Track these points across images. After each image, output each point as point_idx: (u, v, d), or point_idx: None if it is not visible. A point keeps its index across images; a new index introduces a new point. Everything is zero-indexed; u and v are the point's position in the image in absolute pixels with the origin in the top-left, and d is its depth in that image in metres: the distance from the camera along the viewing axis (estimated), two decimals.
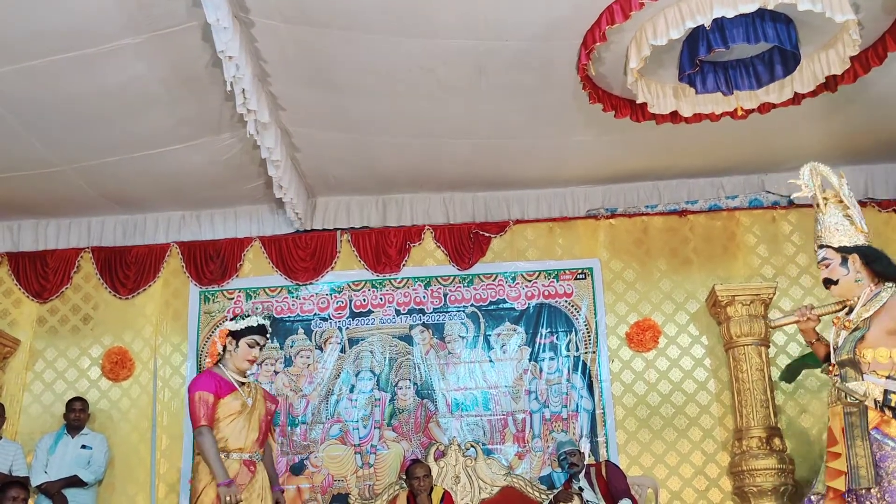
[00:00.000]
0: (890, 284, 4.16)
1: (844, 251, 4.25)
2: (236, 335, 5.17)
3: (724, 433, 7.54)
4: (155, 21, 5.39)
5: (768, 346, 7.40)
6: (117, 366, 7.95)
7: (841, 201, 4.36)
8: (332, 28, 5.56)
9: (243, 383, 5.18)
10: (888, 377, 4.00)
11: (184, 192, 7.87)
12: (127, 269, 8.21)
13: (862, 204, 7.78)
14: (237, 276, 8.17)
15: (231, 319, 5.31)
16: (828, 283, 4.28)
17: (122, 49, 5.58)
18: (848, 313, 4.22)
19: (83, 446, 7.30)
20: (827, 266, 4.27)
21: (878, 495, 3.85)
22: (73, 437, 7.34)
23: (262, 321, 5.25)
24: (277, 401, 5.70)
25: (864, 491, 3.90)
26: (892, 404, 3.93)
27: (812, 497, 4.20)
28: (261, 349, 5.25)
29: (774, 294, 7.35)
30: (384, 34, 5.62)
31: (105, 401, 7.91)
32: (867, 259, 4.23)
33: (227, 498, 4.77)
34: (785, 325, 4.56)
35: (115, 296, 8.19)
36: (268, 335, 5.33)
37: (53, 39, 5.43)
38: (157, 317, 8.15)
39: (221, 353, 5.23)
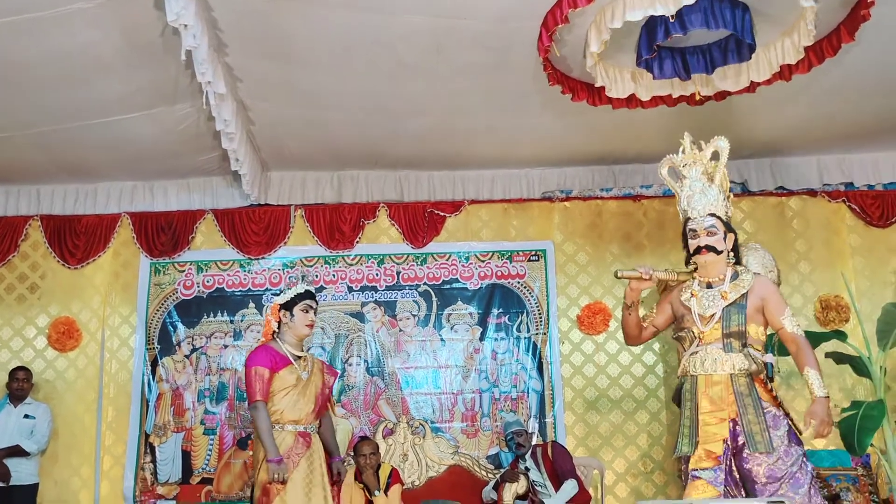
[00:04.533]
0: (741, 268, 4.51)
1: (727, 227, 4.51)
2: (288, 306, 5.30)
3: (670, 416, 7.64)
4: None
5: None
6: (64, 336, 7.86)
7: (722, 180, 4.59)
8: (290, 0, 5.49)
9: (299, 357, 5.28)
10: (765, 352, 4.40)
11: (136, 161, 7.75)
12: (76, 239, 8.09)
13: (812, 193, 8.06)
14: (189, 249, 8.09)
15: (276, 295, 5.40)
16: (709, 250, 4.44)
17: (75, 14, 5.44)
18: (708, 287, 4.46)
19: (26, 416, 7.22)
20: (713, 235, 4.45)
21: (769, 461, 4.16)
22: (15, 407, 7.25)
23: (307, 287, 5.42)
24: (337, 372, 5.82)
25: (753, 454, 4.18)
26: (772, 375, 4.34)
27: (683, 460, 4.39)
28: (315, 313, 5.38)
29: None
30: (343, 8, 5.56)
31: (51, 371, 7.82)
32: (735, 241, 4.54)
33: (276, 475, 4.89)
34: (627, 277, 4.61)
35: (63, 265, 8.07)
36: (316, 298, 5.46)
37: (3, 2, 5.30)
38: (106, 287, 8.05)
39: (277, 328, 5.33)
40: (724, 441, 4.24)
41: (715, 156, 4.67)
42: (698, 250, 4.47)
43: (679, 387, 4.63)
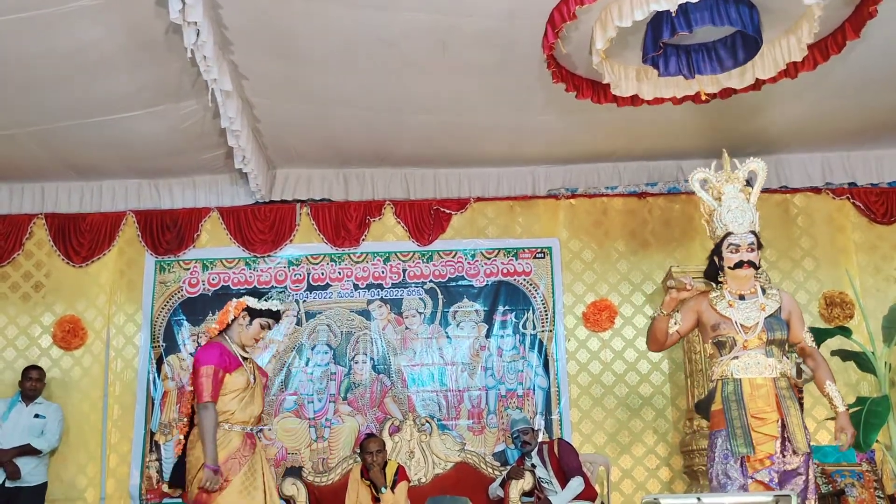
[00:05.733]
0: (762, 281, 4.72)
1: (759, 245, 4.68)
2: (253, 313, 5.16)
3: (675, 413, 7.65)
4: None
5: None
6: (69, 334, 7.86)
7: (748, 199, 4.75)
8: None
9: (245, 358, 5.19)
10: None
11: (141, 159, 7.75)
12: (81, 237, 8.09)
13: (816, 191, 8.07)
14: (194, 247, 8.09)
15: (250, 294, 5.29)
16: (750, 265, 4.60)
17: (79, 11, 5.44)
18: (741, 298, 4.62)
19: (36, 415, 7.21)
20: (752, 251, 4.62)
21: (801, 461, 4.37)
22: (27, 406, 7.23)
23: (280, 307, 5.30)
24: (266, 373, 5.79)
25: (792, 456, 4.37)
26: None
27: (732, 459, 4.44)
28: (269, 331, 5.32)
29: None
30: (347, 6, 5.56)
31: (56, 369, 7.82)
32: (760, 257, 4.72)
33: (208, 483, 4.76)
34: (678, 288, 4.69)
35: (68, 263, 8.07)
36: (278, 322, 5.40)
37: None
38: (111, 286, 8.05)
39: (230, 323, 5.19)
40: (775, 440, 4.40)
41: (752, 175, 4.76)
42: (740, 265, 4.60)
43: (710, 392, 4.71)
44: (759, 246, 4.67)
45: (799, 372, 4.59)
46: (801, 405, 4.65)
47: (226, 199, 8.16)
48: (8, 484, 6.88)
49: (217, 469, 4.80)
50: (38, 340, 7.95)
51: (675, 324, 4.79)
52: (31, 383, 7.27)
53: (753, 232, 4.63)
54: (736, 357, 4.53)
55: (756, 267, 4.62)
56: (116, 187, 8.18)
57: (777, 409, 4.40)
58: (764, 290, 4.66)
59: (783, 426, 4.39)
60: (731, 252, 4.62)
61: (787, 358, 4.59)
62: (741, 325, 4.55)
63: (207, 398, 4.88)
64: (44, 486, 7.17)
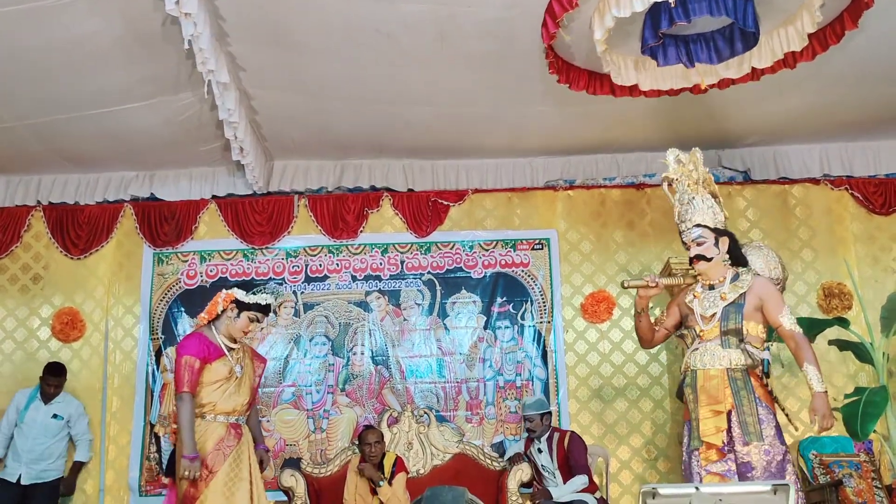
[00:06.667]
0: (742, 269, 4.69)
1: (718, 233, 4.70)
2: (241, 305, 5.17)
3: (673, 404, 7.65)
4: None
5: None
6: (68, 326, 7.85)
7: (707, 186, 4.76)
8: None
9: (232, 348, 5.19)
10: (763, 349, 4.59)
11: (139, 151, 7.74)
12: (79, 229, 8.09)
13: (814, 181, 8.06)
14: (192, 239, 8.09)
15: (243, 285, 5.31)
16: (699, 258, 4.66)
17: (76, 3, 5.44)
18: (711, 288, 4.67)
19: (54, 415, 7.16)
20: (701, 244, 4.66)
21: (756, 452, 4.37)
22: (45, 404, 7.17)
23: (270, 300, 5.28)
24: (265, 360, 5.76)
25: (743, 447, 4.39)
26: (767, 371, 4.56)
27: (691, 453, 4.54)
28: (258, 326, 5.31)
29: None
30: None
31: None
32: (732, 243, 4.72)
33: (187, 472, 4.81)
34: (634, 287, 4.80)
35: (66, 256, 8.07)
36: (268, 315, 5.41)
37: None
38: (109, 278, 8.04)
39: (219, 314, 5.22)
40: (725, 432, 4.44)
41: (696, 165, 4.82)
42: (691, 261, 4.70)
43: (682, 381, 4.76)
44: (722, 233, 4.66)
45: (761, 361, 4.59)
46: (772, 395, 4.60)
47: (224, 190, 8.15)
48: (24, 481, 6.90)
49: (194, 457, 4.85)
50: (37, 332, 7.94)
51: (662, 320, 4.91)
52: (51, 389, 7.18)
53: (700, 224, 4.64)
54: (695, 349, 4.59)
55: (707, 259, 4.63)
56: (114, 179, 8.18)
57: (728, 401, 4.43)
58: (737, 276, 4.64)
59: (738, 416, 4.40)
60: (686, 249, 4.72)
61: (748, 347, 4.55)
62: (701, 315, 4.60)
63: (183, 388, 4.96)
64: (59, 480, 7.17)
